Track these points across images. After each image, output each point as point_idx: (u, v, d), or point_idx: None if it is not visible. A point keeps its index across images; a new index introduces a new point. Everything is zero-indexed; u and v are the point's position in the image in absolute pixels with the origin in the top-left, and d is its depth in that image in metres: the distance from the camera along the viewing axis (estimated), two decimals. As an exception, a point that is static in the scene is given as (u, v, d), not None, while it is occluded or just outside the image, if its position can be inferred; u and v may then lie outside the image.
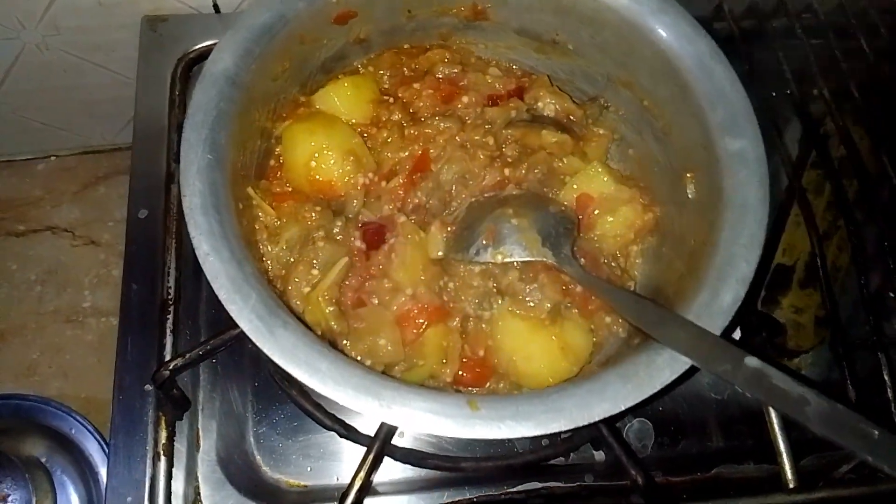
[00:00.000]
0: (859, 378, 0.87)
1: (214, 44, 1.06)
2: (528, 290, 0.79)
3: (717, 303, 0.67)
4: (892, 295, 0.94)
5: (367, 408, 0.60)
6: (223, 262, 0.65)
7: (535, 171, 0.87)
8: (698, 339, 0.65)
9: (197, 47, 1.11)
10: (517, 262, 0.81)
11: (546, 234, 0.81)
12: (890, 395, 0.85)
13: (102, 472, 1.15)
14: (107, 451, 1.16)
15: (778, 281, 1.01)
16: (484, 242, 0.82)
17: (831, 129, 1.07)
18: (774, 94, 1.10)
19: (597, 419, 0.61)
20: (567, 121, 0.93)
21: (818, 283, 0.94)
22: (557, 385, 0.68)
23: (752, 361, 0.60)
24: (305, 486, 0.91)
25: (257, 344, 0.62)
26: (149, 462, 0.85)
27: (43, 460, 1.16)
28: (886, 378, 0.86)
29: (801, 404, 0.58)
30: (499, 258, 0.81)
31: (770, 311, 0.97)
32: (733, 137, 0.74)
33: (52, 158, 1.48)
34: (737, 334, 0.93)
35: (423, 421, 0.60)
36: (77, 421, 1.17)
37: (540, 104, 0.92)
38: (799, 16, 1.17)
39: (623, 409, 0.61)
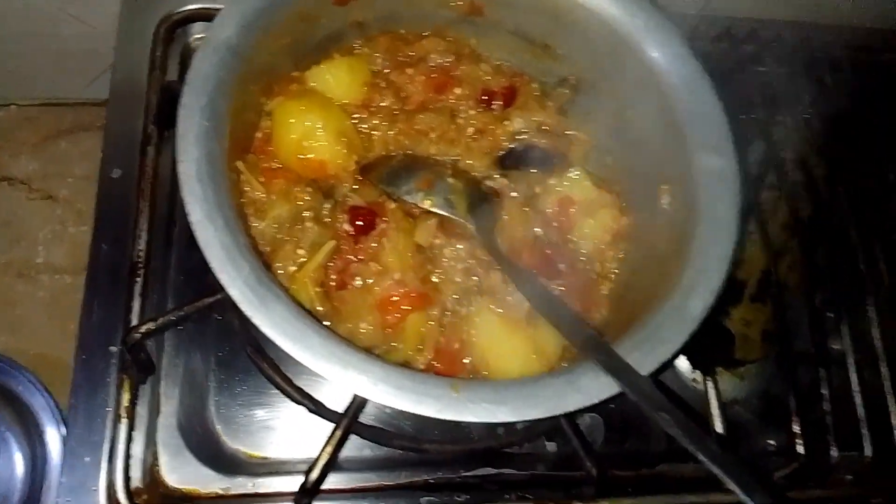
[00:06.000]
0: (800, 390, 0.93)
1: (200, 8, 1.09)
2: (508, 291, 0.81)
3: (686, 309, 0.71)
4: (831, 316, 1.01)
5: (356, 383, 0.62)
6: (217, 230, 0.65)
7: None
8: (576, 326, 0.71)
9: (182, 10, 1.08)
10: (441, 213, 0.84)
11: (473, 204, 0.85)
12: (827, 407, 0.91)
13: (48, 431, 1.13)
14: (55, 410, 1.14)
15: (731, 293, 1.06)
16: (416, 186, 0.85)
17: (790, 153, 1.14)
18: (742, 116, 1.15)
19: (571, 409, 0.64)
20: (551, 139, 0.96)
21: (768, 299, 1.00)
22: (534, 375, 0.71)
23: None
24: (265, 458, 0.91)
25: (249, 315, 0.63)
26: (109, 424, 0.85)
27: (-14, 415, 1.13)
28: (825, 392, 0.92)
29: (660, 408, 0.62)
30: (426, 204, 0.84)
31: (721, 322, 1.03)
32: (710, 155, 0.79)
33: (13, 107, 1.42)
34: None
35: (406, 399, 0.62)
36: (26, 378, 1.14)
37: (526, 125, 0.94)
38: (769, 44, 1.22)
39: (596, 401, 0.65)
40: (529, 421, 0.64)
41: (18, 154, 1.39)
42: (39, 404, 1.13)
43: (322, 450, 0.78)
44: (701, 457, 0.57)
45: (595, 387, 0.65)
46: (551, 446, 0.96)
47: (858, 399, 0.92)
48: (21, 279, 1.30)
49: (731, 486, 0.56)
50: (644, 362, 0.67)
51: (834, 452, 0.90)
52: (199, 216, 0.66)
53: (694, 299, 0.71)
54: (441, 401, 0.62)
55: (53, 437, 1.13)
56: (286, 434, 0.93)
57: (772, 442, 1.01)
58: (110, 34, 1.06)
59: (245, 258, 0.65)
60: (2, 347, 1.20)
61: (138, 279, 0.92)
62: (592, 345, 0.67)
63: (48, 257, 1.33)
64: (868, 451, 0.90)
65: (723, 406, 0.93)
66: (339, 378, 0.62)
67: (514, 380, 0.68)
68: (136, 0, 1.08)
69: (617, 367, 0.63)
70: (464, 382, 0.64)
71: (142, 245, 0.93)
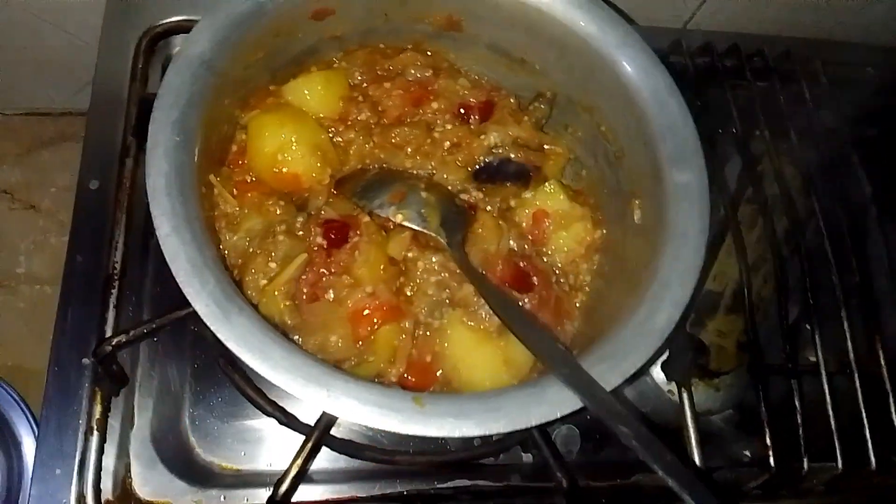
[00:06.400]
0: (772, 401, 0.93)
1: (182, 20, 1.10)
2: (480, 303, 0.81)
3: (652, 323, 0.71)
4: (808, 327, 1.01)
5: (316, 398, 0.62)
6: (184, 243, 0.65)
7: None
8: (542, 339, 0.72)
9: (164, 22, 1.09)
10: (413, 227, 0.85)
11: (445, 218, 0.86)
12: (799, 419, 0.92)
13: (25, 443, 1.13)
14: (31, 421, 1.13)
15: (706, 305, 1.07)
16: (388, 200, 0.85)
17: (768, 167, 1.14)
18: (721, 130, 1.16)
19: (535, 423, 0.64)
20: (526, 153, 0.96)
21: (743, 311, 1.00)
22: (499, 388, 0.71)
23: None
24: (238, 470, 0.91)
25: (212, 328, 0.63)
26: (80, 436, 0.84)
27: (-38, 426, 1.13)
28: (797, 403, 0.92)
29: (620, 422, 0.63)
30: (399, 218, 0.85)
31: (696, 333, 1.03)
32: (680, 170, 0.79)
33: (-3, 118, 1.43)
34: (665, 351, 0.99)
35: (369, 413, 0.62)
36: (2, 389, 1.14)
37: (502, 140, 0.95)
38: (750, 58, 1.24)
39: (559, 415, 0.65)
40: (494, 435, 0.63)
41: (1, 164, 1.39)
42: (16, 415, 1.14)
43: (292, 462, 0.78)
44: (659, 471, 0.58)
45: (559, 400, 0.65)
46: (527, 457, 0.97)
47: (830, 411, 0.92)
48: (1, 289, 1.30)
49: (687, 500, 0.56)
50: (608, 376, 0.67)
51: (805, 464, 0.90)
52: (166, 230, 0.66)
53: (660, 313, 0.71)
54: (404, 414, 0.62)
55: (30, 448, 1.13)
56: (261, 446, 0.93)
57: (747, 453, 1.01)
58: (94, 46, 1.07)
59: (211, 272, 0.65)
60: (-20, 358, 1.20)
61: (113, 290, 0.92)
62: (557, 358, 0.67)
63: (29, 268, 1.33)
64: (839, 462, 0.91)
65: (697, 417, 0.94)
66: (300, 392, 0.62)
67: (479, 393, 0.68)
68: (118, 12, 1.09)
69: (579, 381, 0.64)
70: (428, 396, 0.64)
71: (118, 256, 0.94)
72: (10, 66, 1.31)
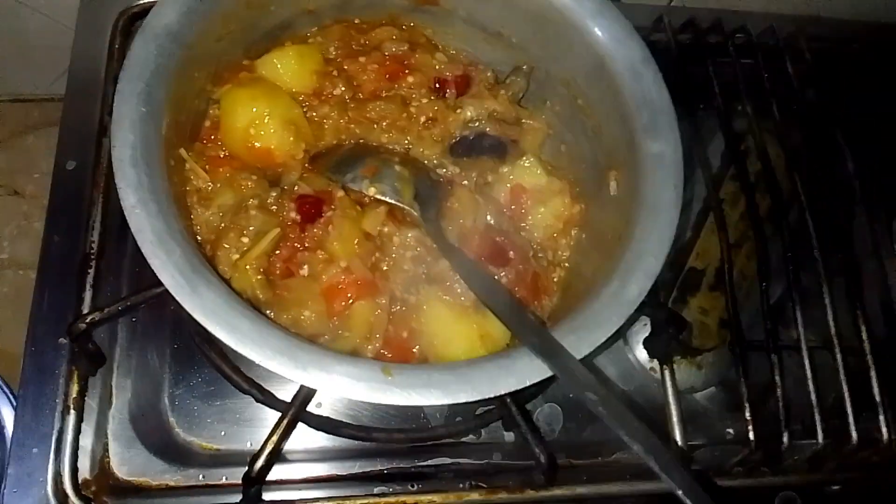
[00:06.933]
0: (754, 379, 0.93)
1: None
2: (456, 278, 0.81)
3: (624, 294, 0.71)
4: (791, 304, 1.00)
5: (284, 369, 0.61)
6: (150, 215, 0.65)
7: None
8: (514, 311, 0.72)
9: (141, 2, 1.08)
10: (386, 201, 0.84)
11: (420, 192, 0.85)
12: (779, 393, 0.91)
13: (8, 427, 1.12)
14: (14, 404, 1.13)
15: (689, 283, 1.06)
16: (362, 174, 0.85)
17: (751, 145, 1.13)
18: (702, 106, 1.15)
19: (503, 392, 0.64)
20: (503, 127, 0.96)
21: (725, 288, 1.00)
22: (469, 359, 0.71)
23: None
24: (217, 450, 0.91)
25: (178, 300, 0.62)
26: (57, 415, 0.85)
27: (-55, 410, 1.12)
28: (776, 379, 0.92)
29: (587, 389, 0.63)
30: (371, 191, 0.84)
31: (679, 310, 1.03)
32: (654, 140, 0.79)
33: (-20, 105, 1.43)
34: (647, 329, 0.98)
35: (337, 383, 0.62)
36: (-15, 373, 1.13)
37: (478, 114, 0.94)
38: (733, 34, 1.22)
39: (528, 384, 0.64)
40: (462, 404, 0.63)
41: (-15, 150, 1.39)
42: (0, 399, 1.13)
43: (267, 439, 0.78)
44: (624, 437, 0.57)
45: (529, 370, 0.65)
46: (509, 436, 0.97)
47: (811, 386, 0.92)
48: (-15, 274, 1.30)
49: (652, 465, 0.56)
50: (579, 346, 0.67)
51: (785, 439, 0.90)
52: (132, 201, 0.65)
53: (631, 284, 0.71)
54: (373, 383, 0.62)
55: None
56: (241, 426, 0.92)
57: (730, 430, 1.01)
58: (72, 28, 1.06)
59: (178, 243, 0.65)
60: (-37, 343, 1.19)
61: (90, 270, 0.92)
62: (528, 329, 0.67)
63: (13, 253, 1.33)
64: (820, 437, 0.90)
65: (679, 394, 0.94)
66: (268, 364, 0.61)
67: (449, 363, 0.68)
68: (95, -7, 1.08)
69: (549, 350, 0.63)
70: (397, 366, 0.64)
71: (94, 236, 0.94)
72: (-8, 53, 1.31)
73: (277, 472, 0.85)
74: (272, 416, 0.89)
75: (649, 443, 0.57)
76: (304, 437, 0.91)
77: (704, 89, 1.15)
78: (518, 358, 0.66)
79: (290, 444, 0.87)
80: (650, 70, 0.82)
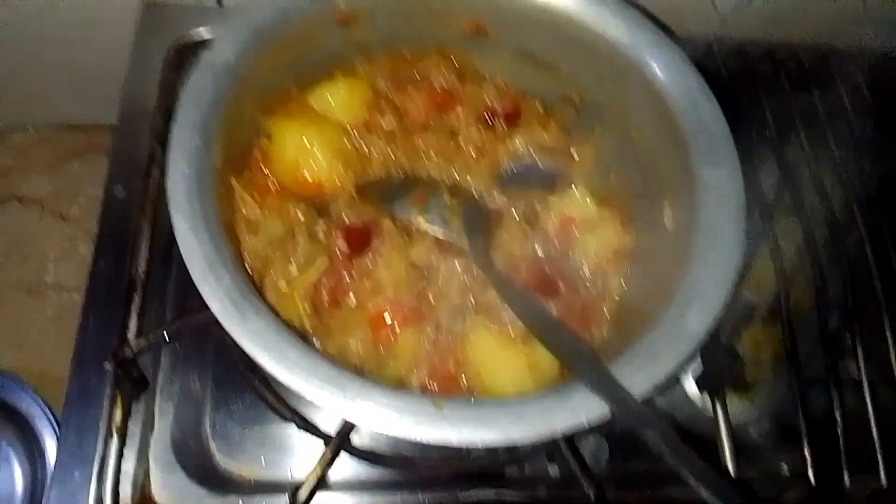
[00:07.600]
0: (810, 414, 0.89)
1: (211, 34, 1.11)
2: (504, 308, 0.79)
3: (684, 327, 0.68)
4: (848, 336, 0.97)
5: (332, 400, 0.60)
6: (201, 242, 0.65)
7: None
8: (567, 343, 0.69)
9: (193, 36, 1.11)
10: (434, 232, 0.83)
11: (468, 222, 0.84)
12: (839, 431, 0.87)
13: (50, 449, 1.13)
14: (56, 428, 1.13)
15: (742, 315, 1.03)
16: (410, 203, 0.84)
17: (805, 175, 1.11)
18: (754, 135, 1.13)
19: (558, 430, 0.61)
20: (551, 157, 0.95)
21: (780, 321, 0.96)
22: (521, 394, 0.69)
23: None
24: (257, 477, 0.90)
25: (226, 327, 0.62)
26: (100, 440, 0.84)
27: (-12, 432, 1.14)
28: (837, 416, 0.88)
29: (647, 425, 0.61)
30: (419, 220, 0.84)
31: (732, 344, 0.99)
32: (712, 168, 0.76)
33: (30, 130, 1.46)
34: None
35: (385, 417, 0.60)
36: (28, 395, 1.14)
37: (528, 145, 0.94)
38: (783, 63, 1.20)
39: (584, 421, 0.62)
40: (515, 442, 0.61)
41: (32, 174, 1.41)
42: (41, 422, 1.14)
43: (312, 470, 0.76)
44: (689, 478, 0.54)
45: (584, 406, 0.63)
46: (553, 468, 0.94)
47: (873, 422, 0.88)
48: (30, 297, 1.32)
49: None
50: (637, 380, 0.65)
51: (846, 478, 0.86)
52: (183, 229, 0.65)
53: (692, 318, 0.68)
54: (422, 418, 0.60)
55: (54, 453, 1.12)
56: (282, 453, 0.91)
57: (784, 465, 0.97)
58: (124, 59, 1.08)
59: (227, 270, 0.64)
60: (7, 364, 1.21)
61: (136, 296, 0.92)
62: (582, 362, 0.64)
63: (57, 276, 1.34)
64: (883, 476, 0.86)
65: (731, 428, 0.90)
66: (315, 394, 0.60)
67: (501, 398, 0.66)
68: (149, 25, 1.11)
69: (606, 386, 0.61)
70: (448, 400, 0.62)
71: (141, 262, 0.94)
72: (43, 80, 1.33)
73: (318, 501, 0.84)
74: (313, 444, 0.88)
75: (717, 484, 0.54)
76: (344, 466, 0.89)
77: (756, 119, 1.13)
78: (573, 393, 0.64)
79: (331, 473, 0.85)
80: (706, 98, 0.81)
